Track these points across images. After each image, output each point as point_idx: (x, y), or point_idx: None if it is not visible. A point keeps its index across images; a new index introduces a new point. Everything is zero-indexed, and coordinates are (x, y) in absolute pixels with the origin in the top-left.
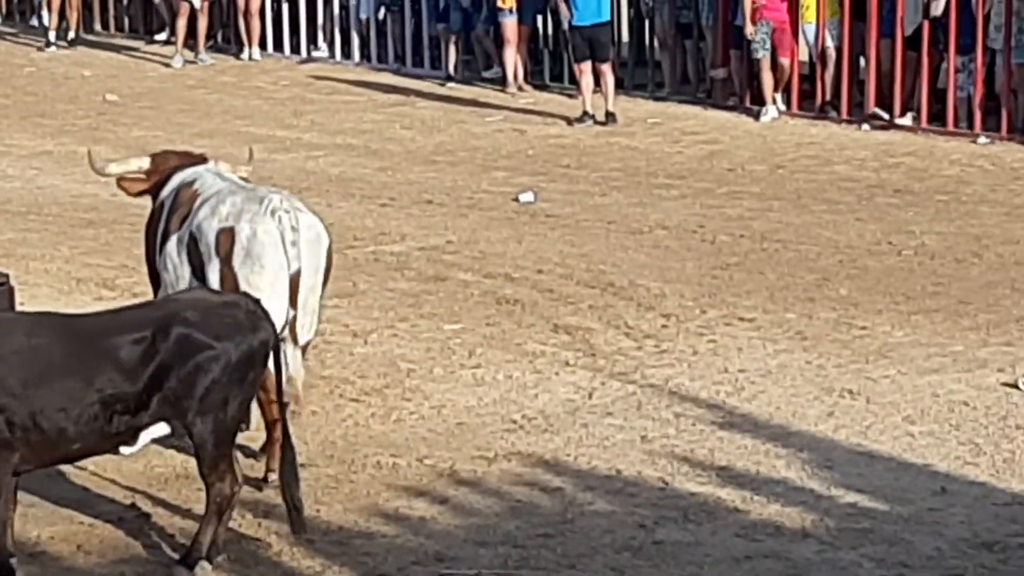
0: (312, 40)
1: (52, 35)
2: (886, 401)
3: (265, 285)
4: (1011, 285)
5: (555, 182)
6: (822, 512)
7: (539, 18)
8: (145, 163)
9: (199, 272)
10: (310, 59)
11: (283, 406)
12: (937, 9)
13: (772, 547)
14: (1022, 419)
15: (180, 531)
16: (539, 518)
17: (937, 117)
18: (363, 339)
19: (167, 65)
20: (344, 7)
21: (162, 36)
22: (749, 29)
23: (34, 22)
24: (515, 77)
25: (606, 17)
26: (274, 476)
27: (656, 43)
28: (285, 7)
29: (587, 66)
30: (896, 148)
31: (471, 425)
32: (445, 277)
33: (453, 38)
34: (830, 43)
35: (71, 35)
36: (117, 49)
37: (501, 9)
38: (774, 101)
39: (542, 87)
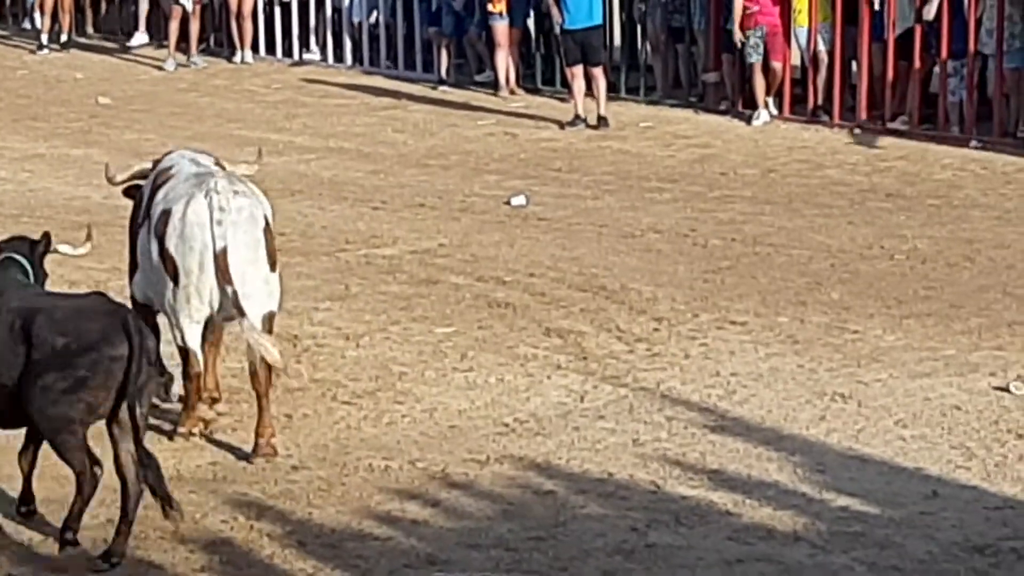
0: (304, 43)
1: (45, 38)
2: (878, 405)
3: (194, 265)
4: (1003, 289)
5: (547, 186)
6: (814, 516)
7: (531, 22)
8: (148, 166)
9: None
10: (302, 62)
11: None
12: (929, 13)
13: (764, 550)
14: (1014, 423)
15: (172, 533)
16: (531, 521)
17: (929, 121)
18: (355, 342)
19: (159, 68)
20: (336, 10)
21: (136, 41)
22: (738, 36)
23: (27, 25)
24: (507, 81)
25: (598, 21)
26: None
27: (648, 47)
28: (277, 10)
29: (579, 70)
30: (888, 152)
31: (463, 428)
32: (437, 280)
33: (445, 42)
34: (822, 47)
35: (64, 38)
36: (109, 52)
37: (493, 13)
38: (766, 105)
39: (534, 91)
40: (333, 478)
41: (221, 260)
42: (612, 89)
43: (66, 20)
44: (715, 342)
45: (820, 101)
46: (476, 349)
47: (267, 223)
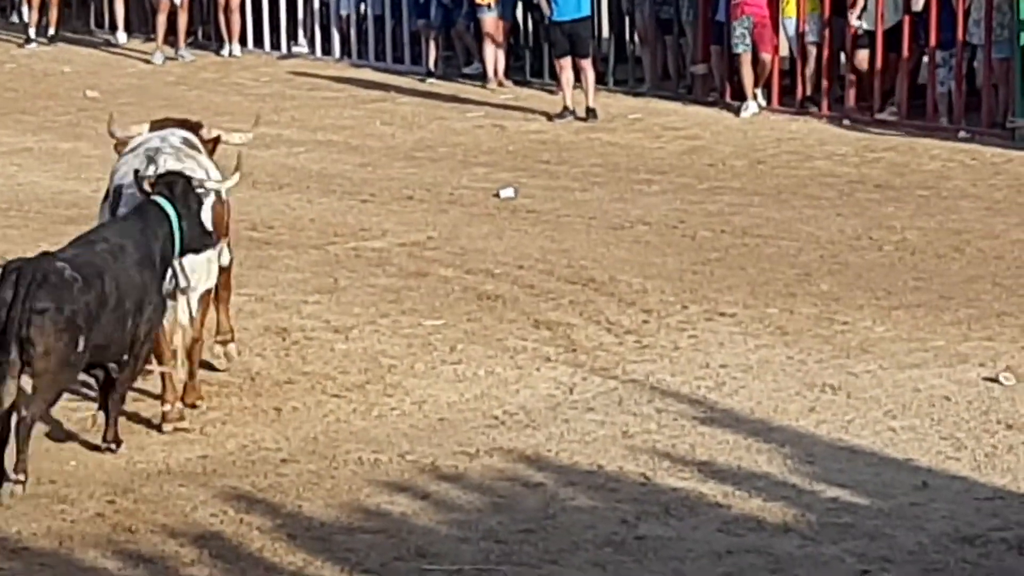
0: (292, 36)
1: (32, 31)
2: (867, 396)
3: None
4: (992, 280)
5: (536, 178)
6: (804, 507)
7: (519, 14)
8: (144, 128)
9: None
10: (290, 55)
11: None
12: (917, 4)
13: (754, 542)
14: (1003, 414)
15: (163, 527)
16: (521, 514)
17: (917, 112)
18: (344, 335)
19: (147, 62)
20: (324, 3)
21: (120, 39)
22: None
23: (14, 18)
24: (495, 73)
25: (586, 12)
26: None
27: (636, 39)
28: (265, 3)
29: (567, 62)
30: (876, 143)
31: (452, 421)
32: (426, 273)
33: (433, 34)
34: (810, 38)
35: (51, 31)
36: (96, 46)
37: (481, 5)
38: (755, 96)
39: (522, 83)
40: (323, 471)
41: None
42: (600, 81)
43: (54, 14)
44: (704, 334)
45: (809, 92)
46: (465, 342)
47: (218, 198)
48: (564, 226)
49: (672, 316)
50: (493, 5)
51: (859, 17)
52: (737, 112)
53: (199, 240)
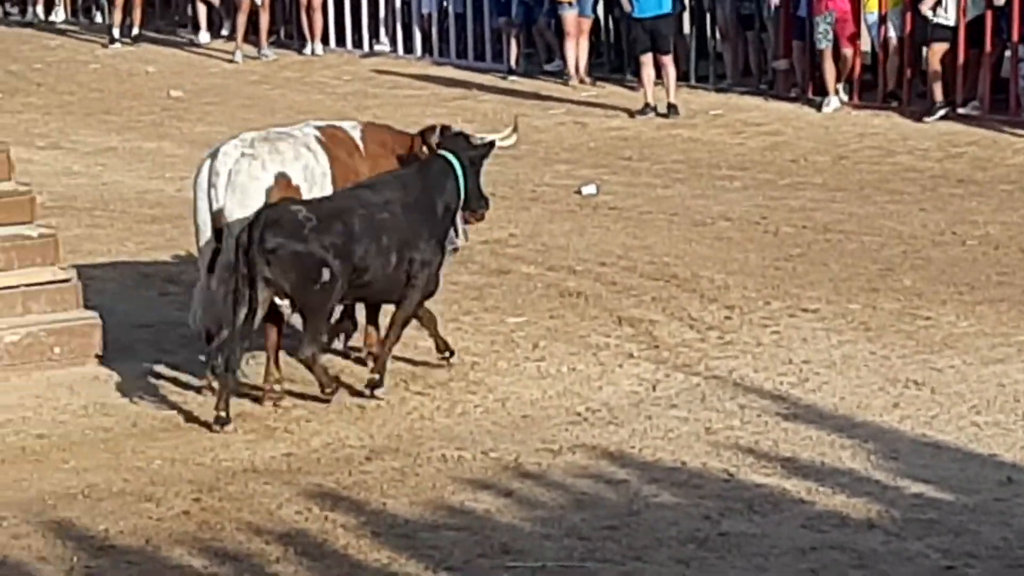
0: (374, 34)
1: (116, 32)
2: (951, 391)
3: (201, 221)
4: None
5: (617, 174)
6: (888, 503)
7: (600, 10)
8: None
9: None
10: (372, 53)
11: None
12: None
13: (837, 538)
14: None
15: (248, 524)
16: (604, 510)
17: (1000, 106)
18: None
19: (230, 61)
20: (406, 1)
21: (203, 39)
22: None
23: (98, 19)
24: (577, 70)
25: (667, 9)
26: None
27: (718, 35)
28: (347, 2)
29: (648, 58)
30: (959, 138)
31: (535, 418)
32: (508, 270)
33: (514, 31)
34: (892, 33)
35: (135, 31)
36: (179, 46)
37: (562, 3)
38: (836, 92)
39: (603, 80)
40: (406, 468)
41: (216, 219)
42: (682, 77)
43: (137, 14)
44: (787, 329)
45: (890, 87)
46: (548, 338)
47: (276, 182)
48: (646, 223)
49: (755, 312)
50: (574, 2)
51: (932, 9)
52: (819, 107)
53: (477, 200)
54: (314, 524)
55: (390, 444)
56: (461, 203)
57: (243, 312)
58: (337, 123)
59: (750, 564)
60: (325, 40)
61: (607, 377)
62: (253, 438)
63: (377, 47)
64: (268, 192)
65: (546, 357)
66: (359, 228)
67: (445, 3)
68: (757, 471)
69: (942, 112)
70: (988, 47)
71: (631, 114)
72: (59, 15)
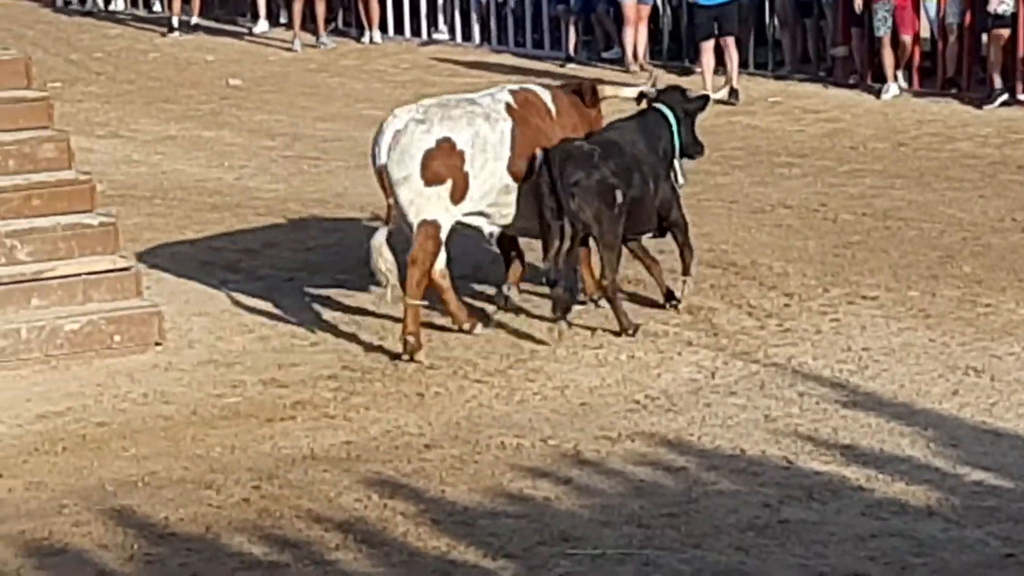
0: (432, 22)
1: (175, 21)
2: (1011, 378)
3: (375, 175)
4: None
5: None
6: (947, 490)
7: None
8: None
9: None
10: (431, 41)
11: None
12: None
13: (897, 525)
14: None
15: (307, 512)
16: (663, 498)
17: None
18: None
19: (288, 49)
20: None
21: (260, 28)
22: (858, 2)
23: (157, 8)
24: (635, 56)
25: None
26: None
27: (776, 22)
28: None
29: (709, 45)
30: (1019, 125)
31: (594, 405)
32: None
33: (573, 19)
34: (951, 19)
35: (193, 20)
36: (238, 35)
37: None
38: (895, 78)
39: (661, 67)
40: (466, 456)
41: (379, 174)
42: (741, 64)
43: (196, 3)
44: (846, 317)
45: (950, 74)
46: (607, 326)
47: (438, 146)
48: (705, 210)
49: (814, 300)
50: None
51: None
52: (878, 94)
53: (693, 147)
54: (373, 512)
55: (449, 432)
56: (678, 150)
57: (558, 245)
58: (531, 87)
59: (809, 552)
60: (383, 28)
61: (666, 365)
62: (312, 426)
63: (435, 35)
64: (428, 154)
65: (604, 345)
66: (628, 158)
67: None
68: (816, 459)
69: (1002, 99)
70: None
71: None
72: (119, 4)
